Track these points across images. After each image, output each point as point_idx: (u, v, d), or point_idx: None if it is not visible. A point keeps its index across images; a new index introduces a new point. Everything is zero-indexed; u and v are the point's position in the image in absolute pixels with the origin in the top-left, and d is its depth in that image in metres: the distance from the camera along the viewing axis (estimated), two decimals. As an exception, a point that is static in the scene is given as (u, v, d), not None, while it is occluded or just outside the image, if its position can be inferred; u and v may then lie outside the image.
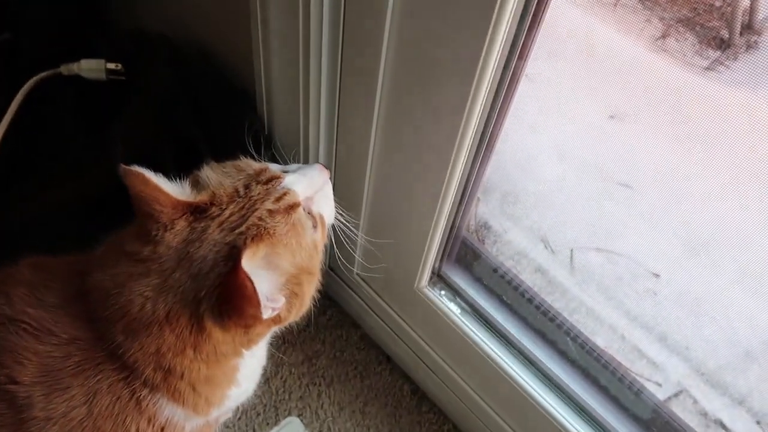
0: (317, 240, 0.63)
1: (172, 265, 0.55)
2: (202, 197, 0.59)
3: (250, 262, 0.53)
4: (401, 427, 1.11)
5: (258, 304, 0.52)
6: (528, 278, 1.29)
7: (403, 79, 0.75)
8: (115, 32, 1.25)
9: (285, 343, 1.16)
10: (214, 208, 0.57)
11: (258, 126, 1.06)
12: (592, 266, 1.36)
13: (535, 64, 1.68)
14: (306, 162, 0.96)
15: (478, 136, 0.79)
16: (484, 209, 1.43)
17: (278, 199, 0.60)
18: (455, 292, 1.04)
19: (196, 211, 0.57)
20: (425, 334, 1.06)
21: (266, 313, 0.55)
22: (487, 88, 0.68)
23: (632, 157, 1.61)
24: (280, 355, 1.14)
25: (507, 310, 1.03)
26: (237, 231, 0.56)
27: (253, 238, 0.56)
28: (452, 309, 1.00)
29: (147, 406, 0.59)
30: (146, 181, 0.57)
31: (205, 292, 0.55)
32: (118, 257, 0.58)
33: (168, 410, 0.60)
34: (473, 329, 0.97)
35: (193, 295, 0.55)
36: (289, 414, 1.10)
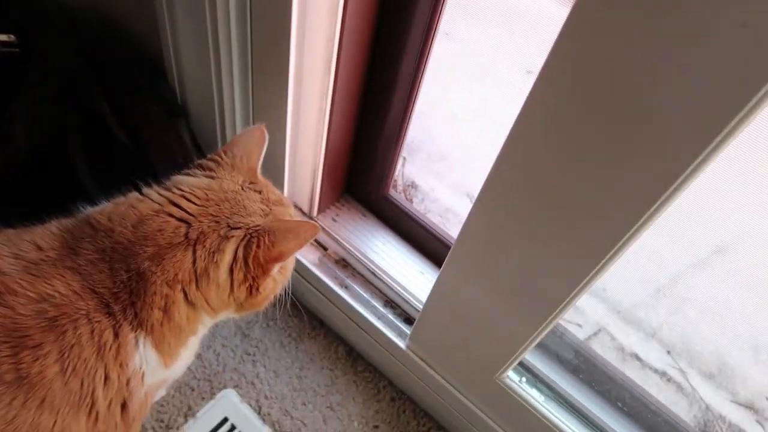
0: (294, 260, 0.77)
1: (217, 199, 0.67)
2: (262, 181, 0.74)
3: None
4: (338, 387, 1.12)
5: (284, 253, 0.66)
6: (456, 233, 1.32)
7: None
8: (4, 1, 1.15)
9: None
10: (263, 191, 0.72)
11: (170, 96, 1.01)
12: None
13: (453, 24, 1.68)
14: (223, 129, 0.93)
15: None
16: (410, 169, 1.45)
17: (291, 216, 0.75)
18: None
19: (252, 183, 0.72)
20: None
21: (274, 270, 0.68)
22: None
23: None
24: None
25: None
26: (272, 208, 0.71)
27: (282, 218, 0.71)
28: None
29: (126, 353, 0.62)
30: (260, 141, 0.73)
31: (242, 227, 0.66)
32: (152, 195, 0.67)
33: (140, 358, 0.63)
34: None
35: (227, 224, 0.66)
36: (224, 387, 1.09)
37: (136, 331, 0.62)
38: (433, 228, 1.07)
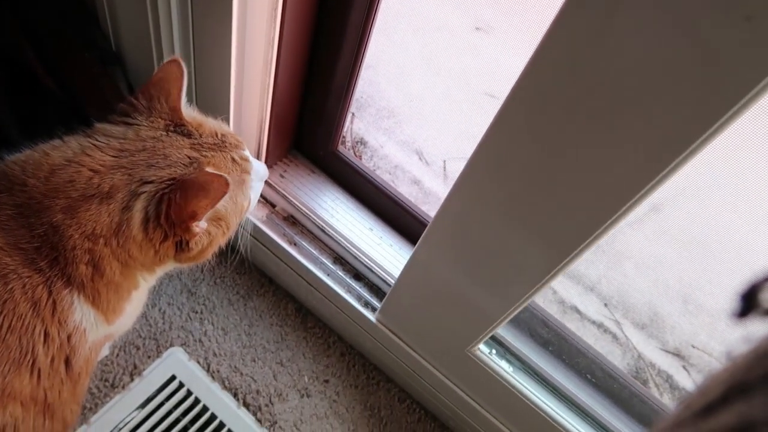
0: (243, 208, 0.71)
1: (132, 149, 0.62)
2: (192, 121, 0.66)
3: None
4: (288, 344, 1.12)
5: (197, 212, 0.60)
6: (405, 190, 1.33)
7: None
8: None
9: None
10: (195, 134, 0.66)
11: (103, 42, 0.95)
12: (463, 176, 1.42)
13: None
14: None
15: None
16: (359, 125, 1.43)
17: (241, 158, 0.69)
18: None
19: (178, 126, 0.65)
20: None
21: (197, 227, 0.63)
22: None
23: (497, 68, 1.66)
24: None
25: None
26: (205, 154, 0.65)
27: (215, 165, 0.65)
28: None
29: (63, 309, 0.59)
30: (177, 76, 0.66)
31: (155, 180, 0.61)
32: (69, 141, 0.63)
33: (79, 314, 0.61)
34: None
35: (139, 178, 0.60)
36: (171, 345, 1.07)
37: (68, 288, 0.60)
38: (383, 185, 1.07)
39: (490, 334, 0.84)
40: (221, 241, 0.70)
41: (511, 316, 0.78)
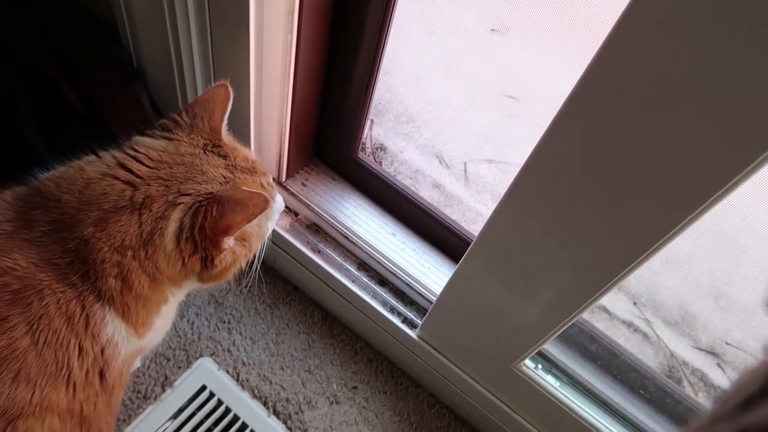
0: (264, 233, 0.73)
1: (171, 162, 0.63)
2: (229, 144, 0.69)
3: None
4: (315, 351, 1.13)
5: (232, 227, 0.61)
6: (426, 194, 1.33)
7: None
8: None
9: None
10: (230, 156, 0.68)
11: (124, 58, 0.97)
12: (484, 177, 1.41)
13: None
14: (184, 91, 0.89)
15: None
16: (378, 131, 1.43)
17: (268, 184, 0.72)
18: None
19: (216, 146, 0.67)
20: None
21: (225, 243, 0.64)
22: None
23: (515, 69, 1.65)
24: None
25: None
26: (238, 176, 0.67)
27: (248, 187, 0.66)
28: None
29: (95, 323, 0.60)
30: (222, 99, 0.68)
31: (192, 193, 0.62)
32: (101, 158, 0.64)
33: (111, 328, 0.62)
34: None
35: (177, 189, 0.62)
36: (200, 355, 1.08)
37: (100, 302, 0.61)
38: (404, 190, 1.07)
39: (536, 350, 0.83)
40: (242, 262, 0.71)
41: (559, 333, 0.77)
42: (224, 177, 0.65)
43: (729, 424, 0.21)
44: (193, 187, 0.63)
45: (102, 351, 0.62)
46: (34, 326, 0.57)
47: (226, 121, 0.70)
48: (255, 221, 0.66)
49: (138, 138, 0.67)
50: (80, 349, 0.60)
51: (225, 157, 0.67)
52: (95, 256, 0.59)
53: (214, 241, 0.62)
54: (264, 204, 0.62)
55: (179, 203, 0.61)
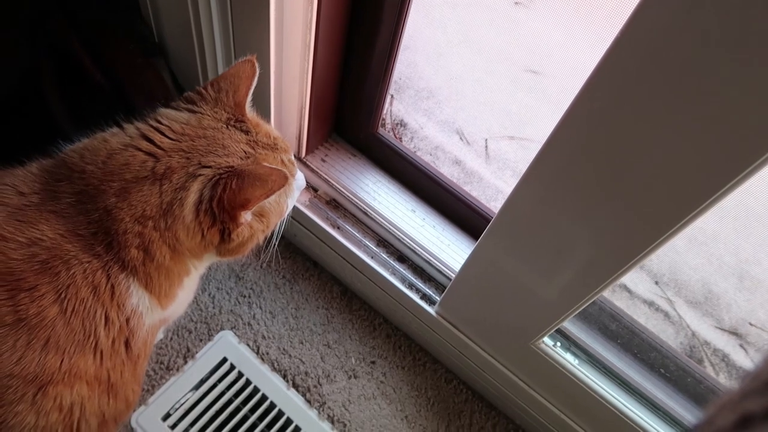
0: (283, 209, 0.73)
1: (193, 134, 0.64)
2: (252, 120, 0.69)
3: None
4: (334, 326, 1.14)
5: (250, 201, 0.61)
6: (447, 171, 1.32)
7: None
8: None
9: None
10: (252, 132, 0.68)
11: (146, 33, 0.97)
12: (505, 154, 1.40)
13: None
14: (205, 66, 0.89)
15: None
16: (398, 107, 1.42)
17: (289, 161, 0.72)
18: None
19: (239, 121, 0.67)
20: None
21: (243, 218, 0.64)
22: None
23: (538, 43, 1.62)
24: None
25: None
26: (259, 151, 0.67)
27: (269, 162, 0.67)
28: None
29: (120, 293, 0.62)
30: (248, 75, 0.68)
31: (213, 166, 0.62)
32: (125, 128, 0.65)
33: (136, 298, 0.63)
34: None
35: (198, 161, 0.62)
36: (221, 328, 1.10)
37: (124, 272, 0.62)
38: (424, 166, 1.06)
39: (555, 328, 0.83)
40: (260, 238, 0.71)
41: (578, 311, 0.76)
42: (245, 152, 0.65)
43: (761, 398, 0.20)
44: (214, 159, 0.63)
45: (127, 320, 0.63)
46: (62, 295, 0.58)
47: (250, 96, 0.70)
48: (273, 197, 0.66)
49: (162, 110, 0.67)
50: (106, 318, 0.61)
51: (247, 132, 0.68)
52: (117, 226, 0.60)
53: (232, 214, 0.63)
54: (283, 180, 0.62)
55: (199, 175, 0.62)
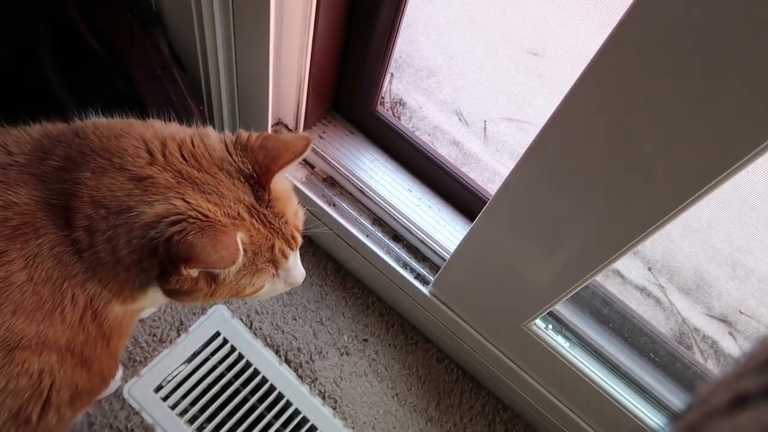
0: (242, 292, 0.65)
1: (203, 166, 0.60)
2: (274, 190, 0.63)
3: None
4: (328, 303, 1.14)
5: (192, 261, 0.55)
6: (444, 152, 1.31)
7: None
8: None
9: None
10: (263, 201, 0.62)
11: (144, 4, 0.95)
12: (504, 136, 1.39)
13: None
14: (203, 36, 0.88)
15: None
16: (398, 86, 1.41)
17: (281, 252, 0.64)
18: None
19: (258, 185, 0.62)
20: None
21: (185, 270, 0.56)
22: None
23: (540, 23, 1.60)
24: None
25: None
26: (253, 222, 0.61)
27: (252, 238, 0.61)
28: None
29: (78, 273, 0.59)
30: (297, 151, 0.63)
31: (191, 204, 0.57)
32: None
33: (91, 284, 0.60)
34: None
35: (181, 192, 0.58)
36: (215, 302, 1.11)
37: (77, 254, 0.58)
38: (422, 146, 1.06)
39: (547, 311, 0.83)
40: (201, 301, 0.64)
41: (571, 294, 0.76)
42: (238, 214, 0.60)
43: (758, 378, 0.20)
44: (199, 200, 0.58)
45: (91, 300, 0.60)
46: (30, 263, 0.57)
47: (287, 170, 0.64)
48: (231, 272, 0.60)
49: (206, 130, 0.63)
50: (72, 295, 0.59)
51: (258, 199, 0.62)
52: (75, 202, 0.57)
53: (174, 260, 0.56)
54: (229, 263, 0.57)
55: (173, 204, 0.57)
